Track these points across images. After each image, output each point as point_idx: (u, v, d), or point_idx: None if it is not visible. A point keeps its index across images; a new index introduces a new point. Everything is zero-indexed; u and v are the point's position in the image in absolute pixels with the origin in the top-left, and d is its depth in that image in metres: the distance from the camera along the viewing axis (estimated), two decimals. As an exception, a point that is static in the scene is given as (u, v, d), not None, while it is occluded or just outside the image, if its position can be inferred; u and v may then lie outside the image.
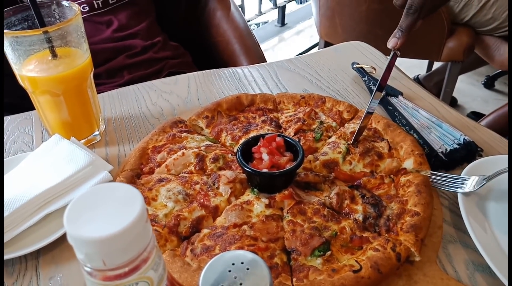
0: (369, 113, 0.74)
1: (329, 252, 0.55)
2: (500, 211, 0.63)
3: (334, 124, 0.79)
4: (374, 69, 0.95)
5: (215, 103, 0.81)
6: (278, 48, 3.22)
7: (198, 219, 0.61)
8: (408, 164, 0.69)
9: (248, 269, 0.37)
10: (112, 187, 0.31)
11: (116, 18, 1.21)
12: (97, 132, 0.79)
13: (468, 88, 2.74)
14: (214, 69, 1.03)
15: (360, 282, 0.52)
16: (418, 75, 2.52)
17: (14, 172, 0.66)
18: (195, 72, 1.01)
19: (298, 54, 3.00)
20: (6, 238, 0.58)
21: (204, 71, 1.02)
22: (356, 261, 0.54)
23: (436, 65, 2.50)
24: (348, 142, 0.73)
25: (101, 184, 0.31)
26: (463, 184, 0.65)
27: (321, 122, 0.78)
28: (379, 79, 0.72)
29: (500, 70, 2.55)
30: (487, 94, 2.69)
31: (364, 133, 0.75)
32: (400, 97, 0.88)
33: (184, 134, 0.74)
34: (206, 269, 0.38)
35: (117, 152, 0.76)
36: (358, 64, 0.98)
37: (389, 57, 0.71)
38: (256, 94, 0.83)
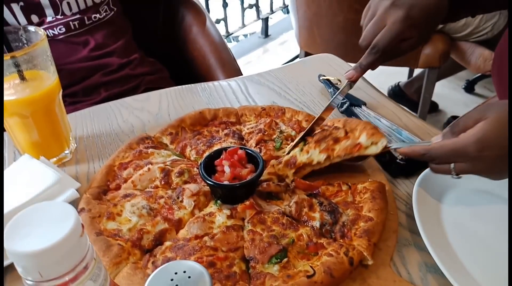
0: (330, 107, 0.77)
1: (285, 259, 0.58)
2: (453, 211, 0.67)
3: (293, 133, 0.82)
4: (339, 80, 0.99)
5: (179, 120, 0.83)
6: (262, 59, 3.27)
7: (161, 232, 0.63)
8: (362, 139, 0.70)
9: (189, 277, 0.39)
10: (50, 205, 0.33)
11: (92, 38, 1.24)
12: (67, 151, 0.81)
13: (450, 92, 2.79)
14: (186, 85, 1.06)
15: (313, 287, 0.54)
16: (399, 82, 2.57)
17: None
18: (167, 89, 1.04)
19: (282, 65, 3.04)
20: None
21: (175, 87, 1.05)
22: (311, 266, 0.57)
23: (417, 71, 2.56)
24: (302, 132, 0.76)
25: (40, 203, 0.33)
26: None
27: (281, 132, 0.81)
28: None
29: (479, 74, 2.60)
30: (468, 98, 2.75)
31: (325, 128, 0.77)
32: (363, 107, 0.92)
33: (150, 150, 0.76)
34: (150, 280, 0.41)
35: (86, 170, 0.78)
36: (324, 76, 1.02)
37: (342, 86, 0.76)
38: (219, 108, 0.86)
